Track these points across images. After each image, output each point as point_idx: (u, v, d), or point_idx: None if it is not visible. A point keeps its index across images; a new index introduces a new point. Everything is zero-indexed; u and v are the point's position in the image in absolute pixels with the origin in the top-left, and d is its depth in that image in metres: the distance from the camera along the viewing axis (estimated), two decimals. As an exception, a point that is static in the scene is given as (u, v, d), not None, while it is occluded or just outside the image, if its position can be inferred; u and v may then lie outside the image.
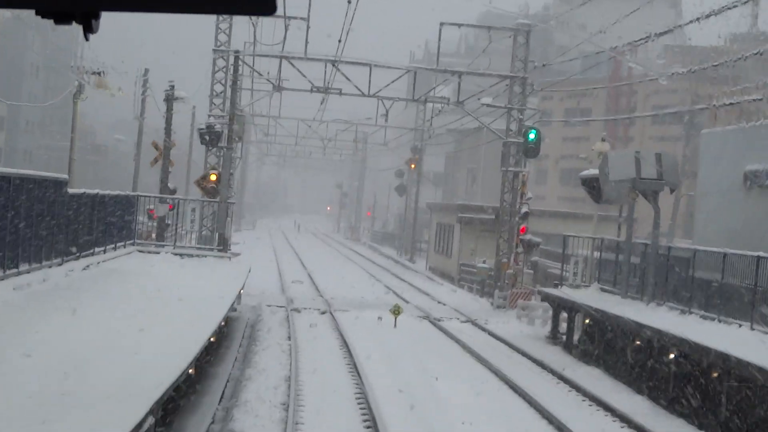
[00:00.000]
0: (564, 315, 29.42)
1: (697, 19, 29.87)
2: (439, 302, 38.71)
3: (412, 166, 66.73)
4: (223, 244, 30.44)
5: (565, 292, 28.60)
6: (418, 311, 34.22)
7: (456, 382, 20.33)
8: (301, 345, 24.18)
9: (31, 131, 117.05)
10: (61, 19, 2.16)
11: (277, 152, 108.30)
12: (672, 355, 19.69)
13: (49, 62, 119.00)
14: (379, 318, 30.49)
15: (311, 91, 39.61)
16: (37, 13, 2.16)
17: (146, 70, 45.74)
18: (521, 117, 39.37)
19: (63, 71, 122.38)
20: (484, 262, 43.59)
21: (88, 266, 22.59)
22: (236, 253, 61.90)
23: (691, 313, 22.11)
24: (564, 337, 28.97)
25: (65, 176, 21.09)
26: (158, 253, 29.53)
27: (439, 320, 32.20)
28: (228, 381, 19.21)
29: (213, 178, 31.00)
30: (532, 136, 38.12)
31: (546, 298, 29.80)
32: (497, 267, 39.53)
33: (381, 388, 18.60)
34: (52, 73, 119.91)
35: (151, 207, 33.74)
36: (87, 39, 2.18)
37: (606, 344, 23.92)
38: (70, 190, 21.78)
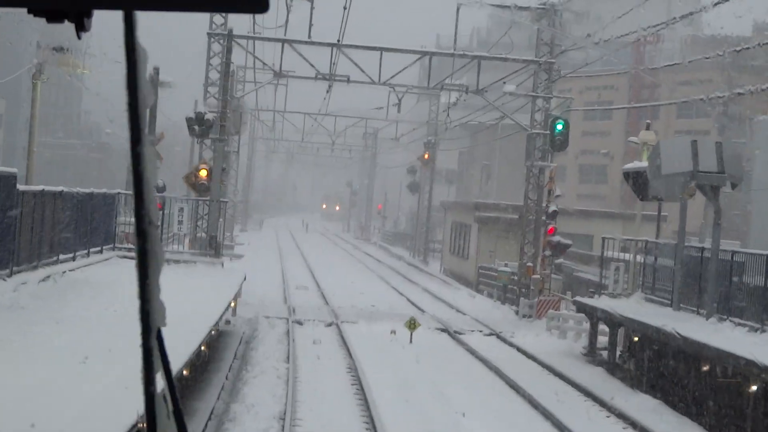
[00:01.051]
0: (601, 328, 25.83)
1: (715, 4, 26.52)
2: (457, 311, 35.09)
3: (426, 156, 63.00)
4: (215, 249, 26.86)
5: (605, 303, 24.95)
6: (435, 322, 30.61)
7: (487, 418, 16.71)
8: (301, 368, 20.58)
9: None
10: (54, 17, 1.99)
11: (285, 149, 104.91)
12: (754, 387, 16.04)
13: (49, 57, 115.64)
14: (393, 332, 26.92)
15: (315, 78, 36.05)
16: (29, 12, 1.98)
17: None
18: (547, 106, 35.70)
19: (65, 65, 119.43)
20: (505, 265, 39.96)
21: (47, 278, 19.01)
22: (239, 255, 58.46)
23: (764, 331, 18.49)
24: (605, 354, 25.36)
25: (13, 170, 17.53)
26: (141, 258, 25.94)
27: (459, 333, 28.58)
28: (209, 420, 15.64)
29: (203, 173, 27.39)
30: (559, 127, 34.48)
31: (582, 308, 26.13)
32: (521, 272, 35.86)
33: (396, 429, 15.01)
34: (52, 68, 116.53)
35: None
36: (79, 37, 2.05)
37: (662, 367, 20.25)
38: (22, 187, 18.25)
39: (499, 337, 28.59)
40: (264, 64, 38.24)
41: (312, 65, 35.73)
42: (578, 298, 26.32)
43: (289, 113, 66.98)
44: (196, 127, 26.69)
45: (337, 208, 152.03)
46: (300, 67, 37.74)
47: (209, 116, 26.84)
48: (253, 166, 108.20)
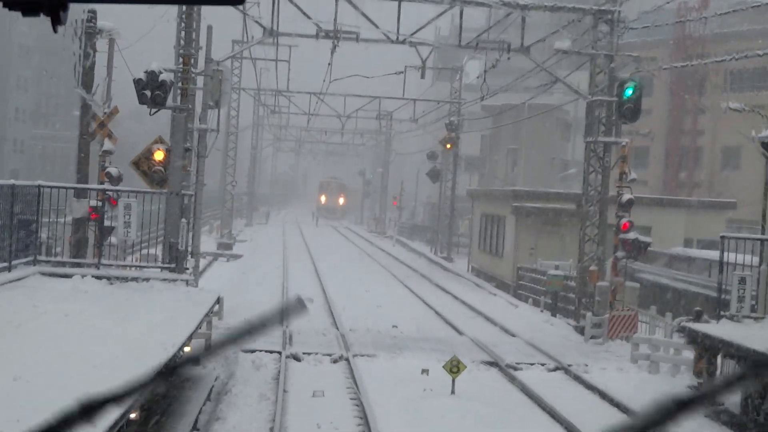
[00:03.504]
0: (706, 361, 18.26)
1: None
2: (502, 329, 27.51)
3: (448, 146, 55.42)
4: (177, 261, 19.31)
5: (733, 332, 17.35)
6: (477, 350, 23.05)
7: None
8: (290, 458, 13.04)
9: (22, 119, 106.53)
10: (29, 10, 2.09)
11: (292, 137, 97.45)
12: None
13: (43, 42, 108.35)
14: (425, 371, 19.41)
15: (317, 36, 28.52)
16: (4, 5, 2.09)
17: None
18: (612, 66, 28.04)
19: (60, 52, 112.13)
20: (556, 267, 32.36)
21: None
22: (237, 255, 50.90)
23: None
24: (725, 398, 17.78)
25: None
26: (70, 276, 18.54)
27: (514, 368, 20.97)
28: None
29: (159, 156, 19.95)
30: (629, 91, 26.89)
31: (693, 338, 18.44)
32: (581, 277, 28.22)
33: None
34: (46, 55, 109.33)
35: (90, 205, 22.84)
36: (55, 31, 2.19)
37: None
38: None
39: (568, 372, 20.98)
40: (256, 21, 30.70)
41: (311, 18, 28.26)
42: (688, 324, 18.62)
43: (294, 94, 59.52)
44: (148, 93, 19.12)
45: (341, 200, 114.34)
46: (300, 27, 30.38)
47: (166, 77, 19.27)
48: (259, 156, 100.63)
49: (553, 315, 31.18)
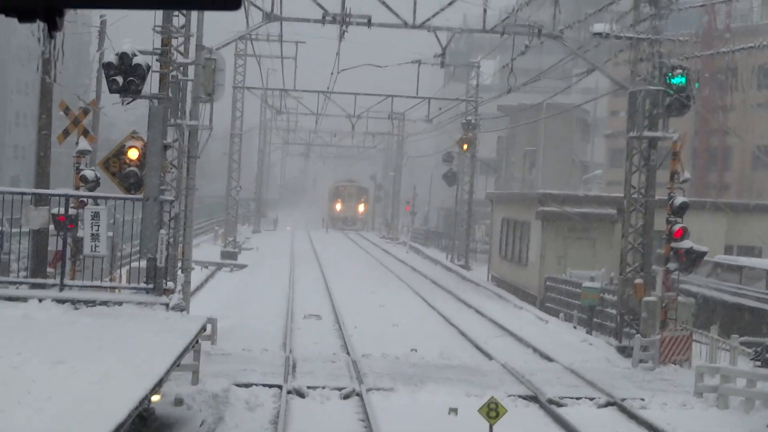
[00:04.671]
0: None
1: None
2: (536, 351, 24.22)
3: (465, 147, 52.17)
4: (155, 281, 16.09)
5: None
6: (511, 380, 19.75)
7: None
8: None
9: (23, 124, 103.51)
10: (24, 17, 2.07)
11: (301, 140, 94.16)
12: None
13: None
14: (452, 411, 16.18)
15: (323, 21, 25.31)
16: (0, 12, 2.05)
17: None
18: (660, 52, 24.74)
19: (59, 55, 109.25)
20: (592, 279, 29.08)
21: None
22: (241, 265, 47.66)
23: None
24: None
25: None
26: (26, 300, 15.38)
27: (557, 404, 17.66)
28: None
29: (133, 155, 16.81)
30: (679, 80, 23.66)
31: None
32: (623, 291, 24.89)
33: None
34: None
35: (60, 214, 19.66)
36: (52, 37, 2.10)
37: None
38: None
39: (622, 409, 17.62)
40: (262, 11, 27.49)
41: (319, 4, 25.06)
42: (776, 354, 15.32)
43: (301, 93, 56.37)
44: (120, 79, 15.92)
45: (361, 208, 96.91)
46: (305, 13, 27.24)
47: (141, 60, 16.07)
48: (267, 160, 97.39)
49: (589, 332, 27.92)
